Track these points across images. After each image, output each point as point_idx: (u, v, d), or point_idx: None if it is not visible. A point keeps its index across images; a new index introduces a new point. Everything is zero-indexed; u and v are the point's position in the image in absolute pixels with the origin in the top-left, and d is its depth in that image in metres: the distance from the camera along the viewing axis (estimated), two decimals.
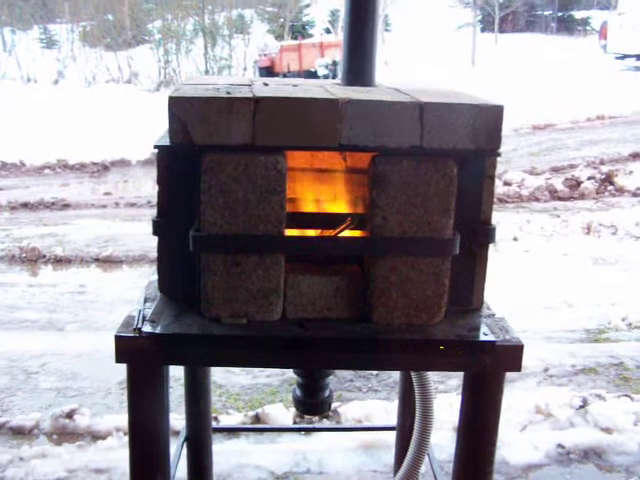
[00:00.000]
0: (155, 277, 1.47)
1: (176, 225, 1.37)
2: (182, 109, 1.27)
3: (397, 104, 1.29)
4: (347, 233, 1.46)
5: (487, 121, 1.31)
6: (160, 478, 1.39)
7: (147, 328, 1.30)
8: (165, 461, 1.40)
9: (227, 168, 1.29)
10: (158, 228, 1.39)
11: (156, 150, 1.36)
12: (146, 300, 1.44)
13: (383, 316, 1.37)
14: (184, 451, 2.06)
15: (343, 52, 1.56)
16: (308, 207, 1.54)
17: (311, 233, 1.48)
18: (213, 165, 1.29)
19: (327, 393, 1.68)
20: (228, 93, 1.30)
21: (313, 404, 1.67)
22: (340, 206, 1.54)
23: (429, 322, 1.38)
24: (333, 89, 1.43)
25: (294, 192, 1.53)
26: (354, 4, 1.51)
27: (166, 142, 1.32)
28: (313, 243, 1.41)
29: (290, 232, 1.39)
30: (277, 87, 1.47)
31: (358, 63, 1.55)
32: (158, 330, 1.30)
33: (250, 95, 1.29)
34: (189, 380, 1.95)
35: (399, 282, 1.35)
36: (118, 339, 1.30)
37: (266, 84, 1.53)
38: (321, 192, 1.57)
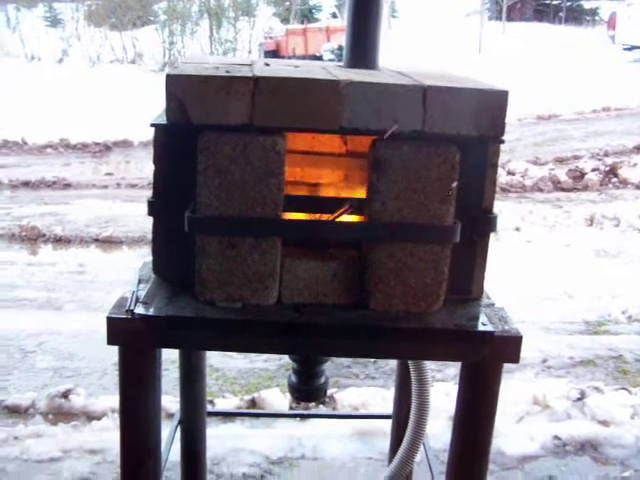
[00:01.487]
0: (150, 258, 1.44)
1: (172, 206, 1.34)
2: (180, 87, 1.24)
3: (399, 87, 1.26)
4: (346, 218, 1.43)
5: (491, 107, 1.28)
6: (151, 462, 1.37)
7: (140, 310, 1.28)
8: (156, 445, 1.38)
9: (224, 148, 1.26)
10: (153, 209, 1.37)
11: (153, 129, 1.33)
12: (140, 281, 1.42)
13: (380, 303, 1.35)
14: (178, 434, 2.05)
15: (346, 34, 1.53)
16: (307, 191, 1.51)
17: (309, 217, 1.46)
18: (210, 145, 1.26)
19: (322, 380, 1.66)
20: (227, 72, 1.28)
21: (308, 391, 1.65)
22: (340, 190, 1.52)
23: (427, 310, 1.35)
24: (335, 71, 1.40)
25: (293, 175, 1.50)
26: None
27: (163, 121, 1.29)
28: (311, 227, 1.38)
29: (288, 215, 1.37)
30: (278, 68, 1.44)
31: (361, 46, 1.52)
32: (151, 312, 1.27)
33: (250, 75, 1.26)
34: (184, 363, 1.93)
35: (397, 269, 1.32)
36: (110, 320, 1.28)
37: (267, 64, 1.50)
38: (321, 176, 1.54)
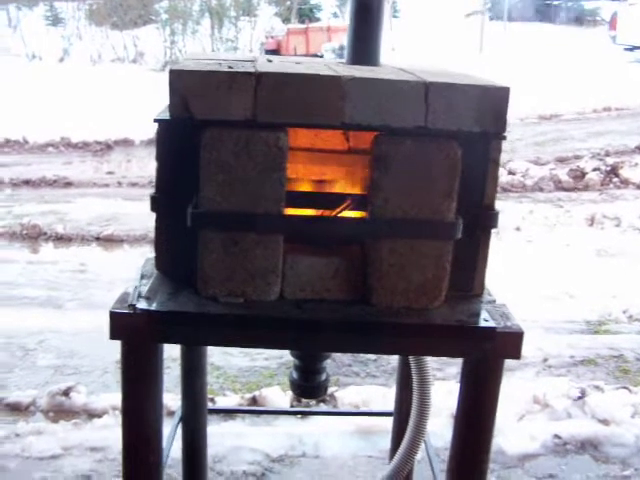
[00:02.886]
0: (152, 255, 1.45)
1: (174, 201, 1.34)
2: (182, 82, 1.24)
3: (402, 83, 1.26)
4: (349, 214, 1.44)
5: (493, 103, 1.29)
6: (152, 458, 1.37)
7: (142, 305, 1.28)
8: (158, 441, 1.39)
9: (227, 144, 1.26)
10: (156, 204, 1.37)
11: (156, 124, 1.33)
12: (142, 277, 1.42)
13: (382, 299, 1.35)
14: (179, 432, 2.05)
15: (348, 31, 1.54)
16: (309, 187, 1.51)
17: (311, 213, 1.46)
18: (213, 140, 1.26)
19: (324, 377, 1.67)
20: (230, 68, 1.28)
21: (309, 387, 1.65)
22: (342, 187, 1.52)
23: (429, 306, 1.36)
24: (337, 67, 1.41)
25: (296, 172, 1.51)
26: None
27: (166, 116, 1.30)
28: (313, 223, 1.39)
29: (290, 211, 1.37)
30: (280, 64, 1.44)
31: (363, 42, 1.52)
32: (153, 307, 1.28)
33: (252, 70, 1.26)
34: (185, 360, 1.93)
35: (399, 265, 1.33)
36: (112, 315, 1.28)
37: (270, 61, 1.50)
38: (324, 173, 1.55)
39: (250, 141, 1.26)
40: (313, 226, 1.37)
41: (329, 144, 1.52)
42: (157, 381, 1.36)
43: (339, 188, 1.51)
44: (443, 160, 1.29)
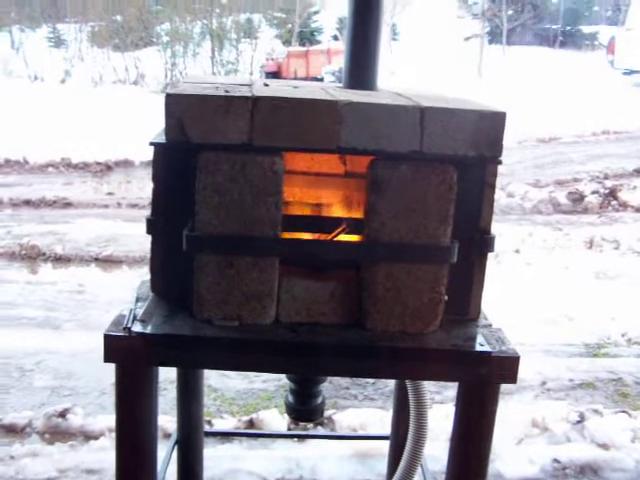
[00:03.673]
0: (148, 277, 1.45)
1: (170, 224, 1.35)
2: (179, 106, 1.25)
3: (398, 108, 1.27)
4: (345, 238, 1.44)
5: (489, 128, 1.29)
6: None
7: (137, 328, 1.28)
8: (151, 464, 1.38)
9: (223, 167, 1.27)
10: (152, 227, 1.37)
11: (152, 147, 1.34)
12: (138, 300, 1.42)
13: (378, 323, 1.35)
14: (175, 454, 2.04)
15: (345, 55, 1.55)
16: (306, 211, 1.52)
17: (307, 237, 1.46)
18: (209, 164, 1.27)
19: (319, 400, 1.66)
20: (226, 92, 1.29)
21: (305, 410, 1.64)
22: (338, 211, 1.52)
23: (424, 330, 1.36)
24: (334, 92, 1.42)
25: (292, 195, 1.51)
26: (357, 6, 1.50)
27: (162, 140, 1.30)
28: (309, 247, 1.39)
29: (286, 235, 1.37)
30: (277, 88, 1.45)
31: (360, 67, 1.53)
32: (148, 330, 1.28)
33: (249, 94, 1.27)
34: (181, 382, 1.92)
35: (395, 289, 1.33)
36: (107, 338, 1.28)
37: (266, 84, 1.51)
38: (320, 196, 1.55)
39: (246, 165, 1.27)
40: (309, 249, 1.38)
41: (326, 168, 1.52)
42: (152, 404, 1.35)
43: (336, 212, 1.51)
44: (439, 184, 1.30)
